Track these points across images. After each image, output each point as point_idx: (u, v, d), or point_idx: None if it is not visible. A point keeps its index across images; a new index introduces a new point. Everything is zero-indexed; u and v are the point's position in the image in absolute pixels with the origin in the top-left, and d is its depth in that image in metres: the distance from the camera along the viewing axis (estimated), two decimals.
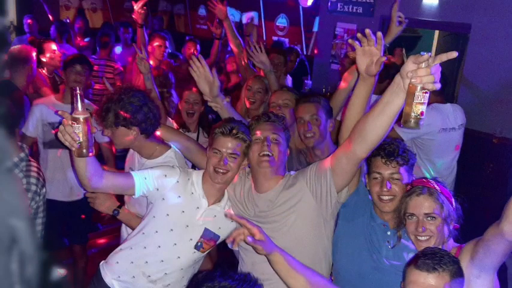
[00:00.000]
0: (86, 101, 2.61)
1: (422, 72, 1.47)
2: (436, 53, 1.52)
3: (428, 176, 3.37)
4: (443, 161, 3.59)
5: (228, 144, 2.21)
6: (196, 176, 2.34)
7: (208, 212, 2.30)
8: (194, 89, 3.39)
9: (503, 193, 3.92)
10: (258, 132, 2.24)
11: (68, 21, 7.41)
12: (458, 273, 1.67)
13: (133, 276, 2.33)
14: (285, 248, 1.89)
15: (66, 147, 1.86)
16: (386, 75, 3.05)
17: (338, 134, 2.27)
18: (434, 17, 5.53)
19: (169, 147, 2.58)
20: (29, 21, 6.82)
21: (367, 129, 1.81)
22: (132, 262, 2.33)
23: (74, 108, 1.82)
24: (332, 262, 2.27)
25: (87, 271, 3.73)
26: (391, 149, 2.10)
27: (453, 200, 2.00)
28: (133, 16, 4.45)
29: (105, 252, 2.59)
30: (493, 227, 1.72)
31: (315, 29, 7.53)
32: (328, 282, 1.99)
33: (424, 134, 3.42)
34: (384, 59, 1.90)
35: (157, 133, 2.57)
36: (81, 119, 1.80)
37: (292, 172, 2.32)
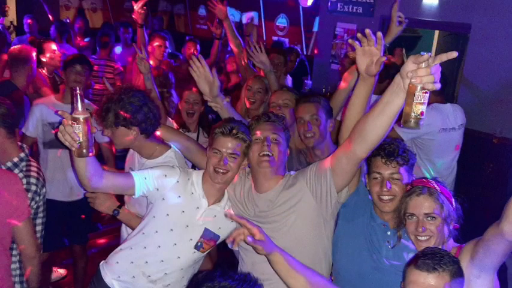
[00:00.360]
0: (86, 101, 2.61)
1: (422, 72, 1.47)
2: (436, 53, 1.52)
3: (428, 176, 3.38)
4: (443, 161, 3.59)
5: (228, 144, 2.21)
6: (196, 176, 2.34)
7: (208, 212, 2.30)
8: (194, 89, 3.39)
9: (503, 193, 3.92)
10: (258, 132, 2.24)
11: (68, 21, 7.41)
12: (458, 273, 1.67)
13: (134, 276, 2.33)
14: (285, 248, 1.89)
15: (66, 147, 1.86)
16: (386, 75, 3.05)
17: (338, 134, 2.27)
18: (434, 17, 5.53)
19: (169, 147, 2.58)
20: (29, 21, 6.82)
21: (367, 129, 1.81)
22: (132, 262, 2.33)
23: (74, 108, 1.82)
24: (332, 262, 2.27)
25: (87, 271, 3.74)
26: (391, 149, 2.10)
27: (453, 200, 2.00)
28: (133, 16, 4.45)
29: (105, 252, 2.59)
30: (493, 227, 1.72)
31: (315, 29, 7.54)
32: (328, 282, 1.99)
33: (424, 134, 3.42)
34: (384, 59, 1.90)
35: (157, 133, 2.57)
36: (81, 119, 1.80)
37: (292, 172, 2.32)
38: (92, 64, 3.74)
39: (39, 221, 2.58)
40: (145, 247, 2.31)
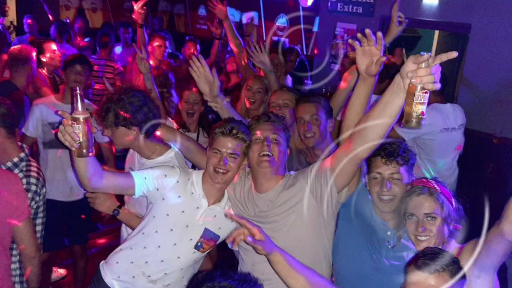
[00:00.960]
0: (86, 101, 2.61)
1: (422, 72, 1.47)
2: (436, 53, 1.52)
3: (428, 176, 3.38)
4: (445, 161, 3.59)
5: (228, 144, 2.21)
6: (196, 176, 2.34)
7: (208, 212, 2.30)
8: (194, 89, 3.39)
9: (503, 193, 3.92)
10: (258, 132, 2.24)
11: (68, 21, 7.40)
12: (458, 274, 1.67)
13: (134, 276, 2.33)
14: (285, 248, 1.89)
15: (66, 147, 1.86)
16: (387, 75, 3.05)
17: (338, 134, 2.27)
18: (434, 17, 5.53)
19: (169, 147, 2.58)
20: (29, 21, 6.82)
21: (367, 129, 1.81)
22: (132, 262, 2.33)
23: (74, 108, 1.82)
24: (332, 262, 2.27)
25: (87, 271, 3.74)
26: (391, 149, 2.10)
27: (453, 200, 2.00)
28: (133, 16, 4.46)
29: (105, 252, 2.59)
30: (493, 227, 1.72)
31: (315, 29, 7.54)
32: (328, 282, 1.99)
33: (424, 134, 3.42)
34: (384, 59, 1.90)
35: (157, 133, 2.57)
36: (81, 119, 1.80)
37: (292, 172, 2.32)
38: (92, 64, 3.74)
39: (39, 221, 2.58)
40: (145, 247, 2.31)
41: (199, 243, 2.31)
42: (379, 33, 1.87)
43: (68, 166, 3.36)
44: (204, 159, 2.38)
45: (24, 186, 2.42)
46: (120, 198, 2.55)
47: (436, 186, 1.98)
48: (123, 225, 2.74)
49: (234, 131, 2.21)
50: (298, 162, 2.90)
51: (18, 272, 2.44)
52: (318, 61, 6.90)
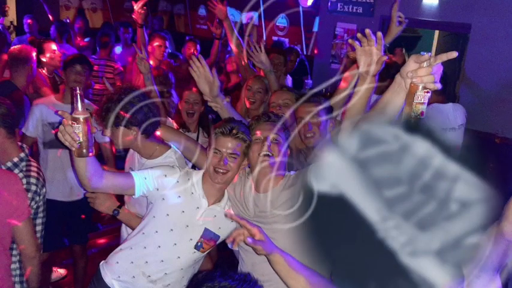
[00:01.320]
0: (86, 101, 2.61)
1: (423, 71, 1.47)
2: (436, 53, 1.52)
3: None
4: None
5: (228, 144, 2.21)
6: (196, 176, 2.34)
7: (208, 212, 2.30)
8: (194, 89, 3.39)
9: (504, 193, 3.91)
10: (258, 132, 2.24)
11: (68, 21, 7.40)
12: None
13: (134, 276, 2.33)
14: (285, 248, 1.89)
15: (66, 147, 1.86)
16: (387, 74, 3.03)
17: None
18: (434, 17, 5.53)
19: (169, 147, 2.58)
20: (29, 21, 6.82)
21: None
22: (132, 262, 2.33)
23: (74, 108, 1.82)
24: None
25: (87, 271, 3.74)
26: None
27: None
28: (133, 16, 4.46)
29: (105, 252, 2.59)
30: (493, 227, 1.72)
31: (315, 29, 7.54)
32: (329, 282, 1.99)
33: None
34: (385, 58, 1.90)
35: (157, 133, 2.57)
36: (81, 119, 1.80)
37: (292, 172, 2.32)
38: (92, 64, 3.74)
39: (39, 221, 2.58)
40: (145, 247, 2.31)
41: (199, 243, 2.31)
42: (379, 33, 1.87)
43: (68, 166, 3.36)
44: (204, 159, 2.38)
45: (24, 186, 2.42)
46: (120, 198, 2.55)
47: None
48: (123, 225, 2.74)
49: (234, 131, 2.21)
50: (298, 162, 2.90)
51: (18, 272, 2.44)
52: (318, 61, 6.91)
